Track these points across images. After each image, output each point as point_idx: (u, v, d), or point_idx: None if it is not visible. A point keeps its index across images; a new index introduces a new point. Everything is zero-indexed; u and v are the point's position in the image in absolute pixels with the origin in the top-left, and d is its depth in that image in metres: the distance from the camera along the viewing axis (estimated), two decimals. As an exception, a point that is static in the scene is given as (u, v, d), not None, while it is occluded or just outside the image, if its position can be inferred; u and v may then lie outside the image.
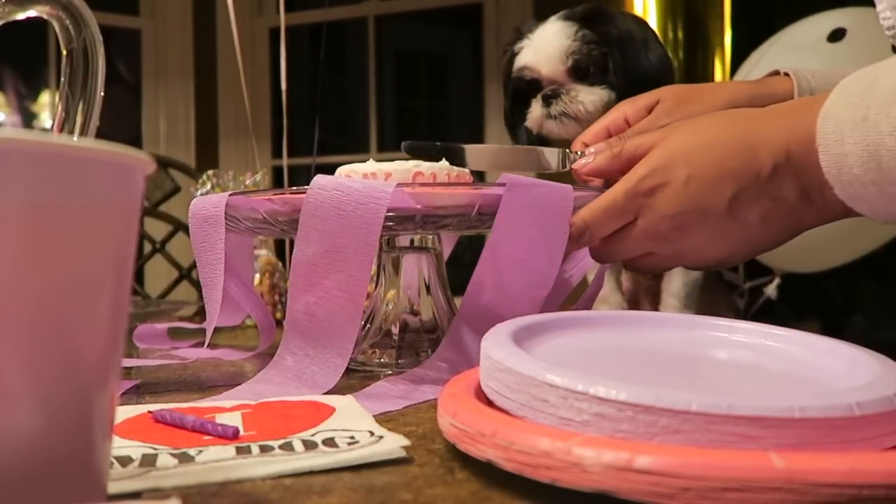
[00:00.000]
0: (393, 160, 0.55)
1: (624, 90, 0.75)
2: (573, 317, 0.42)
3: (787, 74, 0.64)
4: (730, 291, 0.95)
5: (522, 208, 0.48)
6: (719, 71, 1.60)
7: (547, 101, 0.77)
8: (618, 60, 0.77)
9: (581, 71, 0.78)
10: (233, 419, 0.36)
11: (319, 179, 0.46)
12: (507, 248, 0.48)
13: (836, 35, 1.16)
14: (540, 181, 0.48)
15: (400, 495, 0.26)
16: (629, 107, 0.65)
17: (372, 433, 0.33)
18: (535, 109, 0.78)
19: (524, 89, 0.81)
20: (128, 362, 0.58)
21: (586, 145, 0.61)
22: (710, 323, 0.41)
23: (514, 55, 0.81)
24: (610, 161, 0.52)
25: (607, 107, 0.73)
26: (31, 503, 0.19)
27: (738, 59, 1.43)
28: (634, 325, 0.42)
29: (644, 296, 0.87)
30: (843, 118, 0.41)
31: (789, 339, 0.38)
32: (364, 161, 0.56)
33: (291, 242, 0.91)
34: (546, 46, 0.78)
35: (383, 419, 0.38)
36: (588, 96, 0.77)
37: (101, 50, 0.46)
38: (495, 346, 0.32)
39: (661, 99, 0.64)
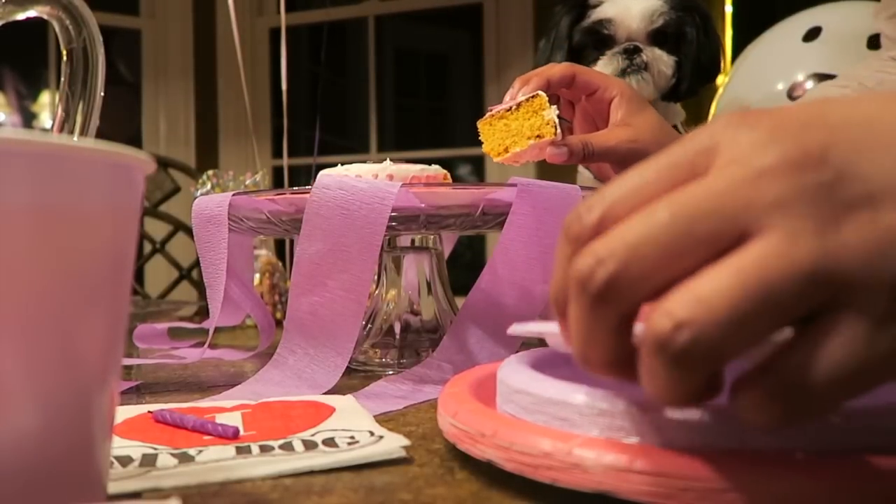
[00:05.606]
0: (392, 160, 0.55)
1: (691, 67, 0.77)
2: None
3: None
4: None
5: (534, 210, 0.48)
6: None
7: (629, 55, 0.78)
8: (701, 33, 0.79)
9: (661, 36, 0.79)
10: (233, 419, 0.36)
11: (324, 179, 0.46)
12: (520, 249, 0.48)
13: (812, 34, 1.16)
14: (550, 183, 0.48)
15: (400, 495, 0.26)
16: (580, 74, 0.58)
17: (372, 433, 0.33)
18: (611, 62, 0.79)
19: (589, 44, 0.82)
20: (128, 362, 0.58)
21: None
22: None
23: (591, 6, 0.82)
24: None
25: (669, 79, 0.75)
26: (31, 503, 0.19)
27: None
28: None
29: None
30: None
31: None
32: (363, 161, 0.56)
33: (292, 242, 0.91)
34: (634, 4, 0.79)
35: (383, 419, 0.38)
36: (667, 61, 0.79)
37: (101, 50, 0.46)
38: (512, 372, 0.32)
39: (620, 93, 0.58)
